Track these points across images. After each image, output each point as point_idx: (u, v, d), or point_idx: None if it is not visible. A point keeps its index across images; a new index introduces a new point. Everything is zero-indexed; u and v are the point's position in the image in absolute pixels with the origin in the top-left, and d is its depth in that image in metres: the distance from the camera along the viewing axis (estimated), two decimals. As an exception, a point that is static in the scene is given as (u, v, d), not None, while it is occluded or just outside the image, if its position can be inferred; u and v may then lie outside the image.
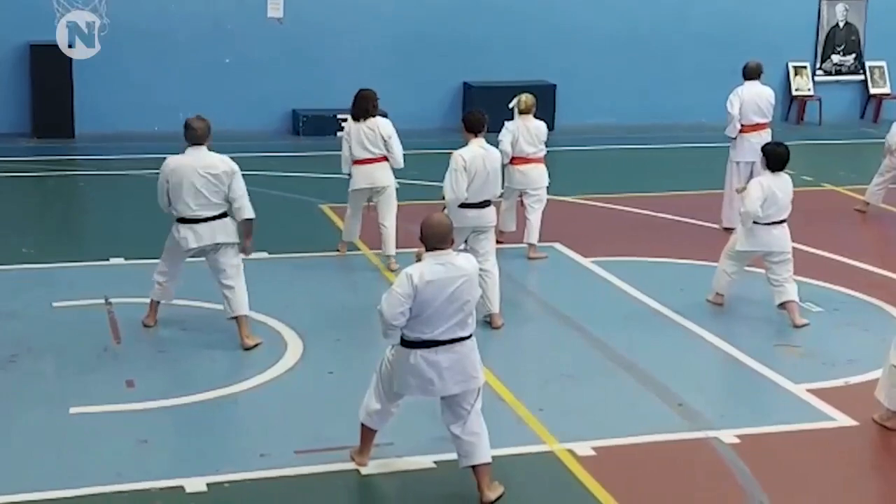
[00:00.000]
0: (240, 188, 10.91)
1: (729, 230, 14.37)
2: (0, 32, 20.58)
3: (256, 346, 11.07)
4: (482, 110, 11.97)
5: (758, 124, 15.35)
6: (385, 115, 13.60)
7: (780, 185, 12.01)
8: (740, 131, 15.28)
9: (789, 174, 12.15)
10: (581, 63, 23.07)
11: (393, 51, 22.22)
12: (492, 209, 11.79)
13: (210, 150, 10.93)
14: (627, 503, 8.34)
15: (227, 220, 11.02)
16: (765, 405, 10.39)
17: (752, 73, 15.58)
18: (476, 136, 11.61)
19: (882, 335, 11.64)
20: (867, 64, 25.08)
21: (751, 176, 14.52)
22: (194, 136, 10.88)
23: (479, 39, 22.61)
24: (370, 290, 12.85)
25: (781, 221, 12.06)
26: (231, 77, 21.50)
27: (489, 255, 11.66)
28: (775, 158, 12.05)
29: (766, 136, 15.01)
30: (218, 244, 11.00)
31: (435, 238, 8.10)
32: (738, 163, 15.36)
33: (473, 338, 8.25)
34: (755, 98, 15.42)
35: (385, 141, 13.25)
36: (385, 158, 13.38)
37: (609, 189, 17.31)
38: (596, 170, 18.85)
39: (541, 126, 14.18)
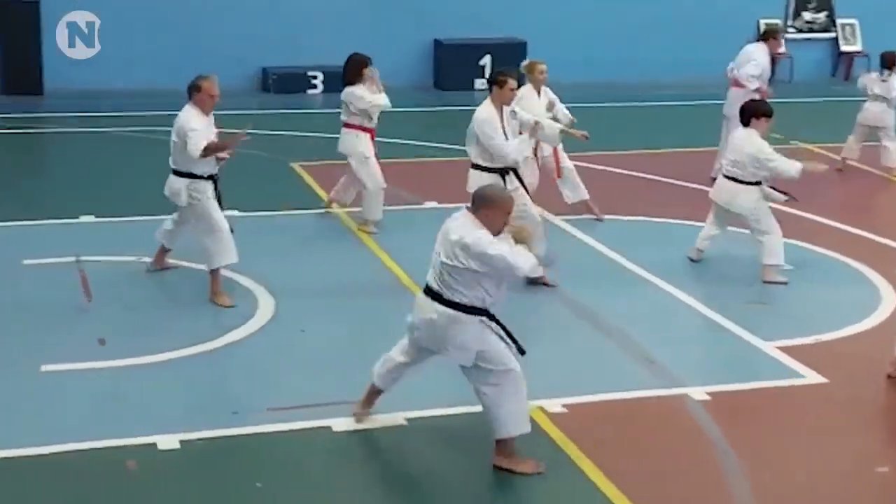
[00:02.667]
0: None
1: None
2: (-33, -12, 20.42)
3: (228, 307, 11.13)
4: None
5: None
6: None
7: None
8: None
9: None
10: (554, 19, 23.00)
11: (364, 7, 22.12)
12: None
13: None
14: (598, 459, 8.39)
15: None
16: (735, 362, 10.45)
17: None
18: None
19: (853, 294, 11.75)
20: (838, 21, 25.12)
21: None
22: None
23: (449, -5, 22.54)
24: (342, 249, 12.88)
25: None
26: (201, 34, 21.35)
27: None
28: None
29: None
30: None
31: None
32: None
33: (458, 313, 8.12)
34: None
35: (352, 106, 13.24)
36: (351, 125, 13.35)
37: (580, 147, 17.27)
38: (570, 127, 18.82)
39: None
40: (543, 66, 13.64)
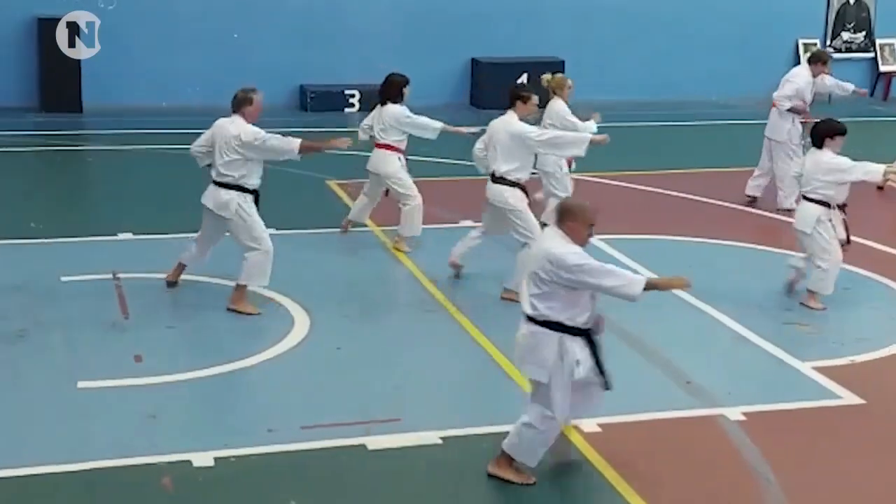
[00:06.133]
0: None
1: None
2: (8, 6, 20.60)
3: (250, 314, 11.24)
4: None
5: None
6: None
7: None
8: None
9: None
10: (590, 38, 23.02)
11: (401, 26, 22.20)
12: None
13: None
14: (633, 480, 8.35)
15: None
16: (772, 383, 10.39)
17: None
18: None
19: (890, 314, 11.66)
20: (877, 41, 25.02)
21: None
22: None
23: (487, 14, 22.59)
24: (377, 267, 12.88)
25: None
26: (239, 52, 21.46)
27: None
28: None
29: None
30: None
31: None
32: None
33: (537, 327, 8.17)
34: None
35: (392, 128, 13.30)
36: (386, 146, 13.39)
37: (617, 166, 17.28)
38: (604, 147, 18.79)
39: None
40: (570, 82, 14.14)
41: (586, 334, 8.15)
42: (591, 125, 13.52)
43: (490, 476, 8.30)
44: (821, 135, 12.07)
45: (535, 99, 11.92)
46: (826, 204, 11.91)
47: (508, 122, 11.84)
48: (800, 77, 15.80)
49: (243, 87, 11.43)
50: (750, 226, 14.97)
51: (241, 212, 11.23)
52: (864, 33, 24.95)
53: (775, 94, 15.77)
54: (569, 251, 7.95)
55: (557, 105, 13.90)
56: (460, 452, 8.72)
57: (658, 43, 23.40)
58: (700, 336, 11.29)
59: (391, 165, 13.35)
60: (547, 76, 14.18)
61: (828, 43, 24.56)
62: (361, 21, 22.02)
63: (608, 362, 10.55)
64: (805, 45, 24.21)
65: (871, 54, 25.04)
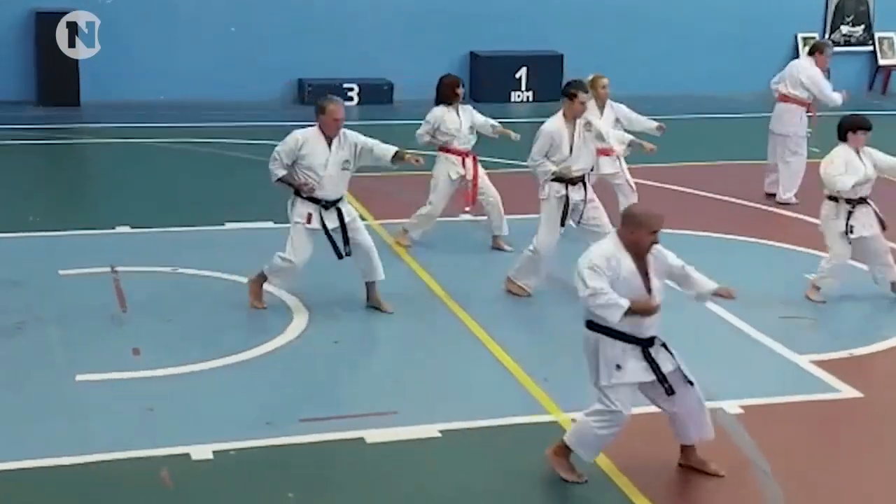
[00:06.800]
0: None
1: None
2: (6, 0, 20.55)
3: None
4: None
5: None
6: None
7: None
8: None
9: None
10: (590, 32, 22.99)
11: (400, 19, 22.16)
12: None
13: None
14: (630, 472, 8.35)
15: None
16: (770, 376, 10.39)
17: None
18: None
19: (888, 308, 11.67)
20: (876, 35, 25.00)
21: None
22: None
23: (486, 8, 22.54)
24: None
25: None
26: (237, 45, 21.45)
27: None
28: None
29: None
30: None
31: None
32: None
33: (593, 333, 8.05)
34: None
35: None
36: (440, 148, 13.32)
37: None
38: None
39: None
40: (606, 81, 13.66)
41: (635, 341, 8.01)
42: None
43: (549, 460, 8.26)
44: (844, 128, 12.01)
45: (582, 96, 11.57)
46: (835, 199, 11.88)
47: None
48: (817, 73, 15.76)
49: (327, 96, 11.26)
50: (750, 219, 14.94)
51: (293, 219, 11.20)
52: (862, 27, 24.93)
53: (824, 96, 15.66)
54: (586, 263, 7.87)
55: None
56: (459, 446, 8.73)
57: (657, 37, 23.36)
58: (697, 329, 11.27)
59: (436, 166, 13.26)
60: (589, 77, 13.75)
61: (826, 36, 24.54)
62: (360, 14, 21.97)
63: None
64: (804, 38, 24.19)
65: (870, 48, 25.02)
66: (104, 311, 11.13)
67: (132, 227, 13.68)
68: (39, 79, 20.65)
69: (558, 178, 11.67)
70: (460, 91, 13.28)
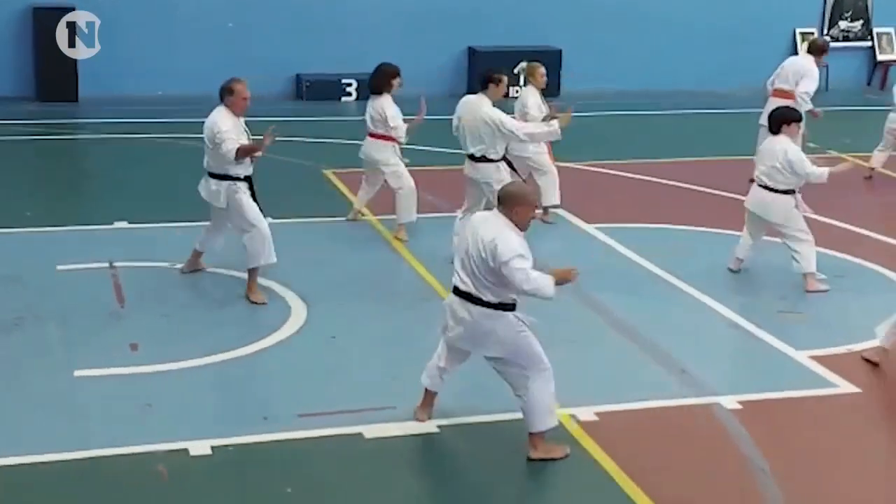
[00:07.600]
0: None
1: None
2: (4, -5, 20.57)
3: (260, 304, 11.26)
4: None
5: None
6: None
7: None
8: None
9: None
10: (587, 27, 22.98)
11: (399, 15, 22.14)
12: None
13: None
14: (629, 468, 8.36)
15: None
16: (767, 372, 10.39)
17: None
18: None
19: (885, 303, 11.65)
20: (875, 30, 25.00)
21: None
22: None
23: (484, 3, 22.53)
24: (374, 256, 12.88)
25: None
26: (235, 41, 21.42)
27: None
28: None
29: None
30: None
31: None
32: None
33: (490, 310, 8.28)
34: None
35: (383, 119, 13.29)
36: (380, 136, 13.38)
37: (613, 156, 17.28)
38: (600, 136, 18.80)
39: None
40: (544, 69, 14.20)
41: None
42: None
43: (532, 460, 8.41)
44: (778, 121, 12.29)
45: (506, 80, 12.15)
46: (792, 191, 12.18)
47: (480, 105, 11.90)
48: (814, 71, 15.76)
49: (230, 78, 11.41)
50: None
51: (232, 200, 11.23)
52: (861, 22, 24.92)
53: (798, 90, 15.66)
54: (510, 253, 8.04)
55: (529, 95, 13.91)
56: (457, 441, 8.73)
57: (656, 33, 23.33)
58: (695, 324, 11.29)
59: (382, 153, 13.36)
60: (523, 63, 14.22)
61: (825, 32, 24.53)
62: (358, 10, 21.96)
63: (603, 351, 10.60)
64: (802, 34, 24.18)
65: (869, 43, 25.01)
66: (102, 306, 11.12)
67: (130, 223, 13.67)
68: (37, 74, 20.63)
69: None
70: (396, 82, 13.44)
